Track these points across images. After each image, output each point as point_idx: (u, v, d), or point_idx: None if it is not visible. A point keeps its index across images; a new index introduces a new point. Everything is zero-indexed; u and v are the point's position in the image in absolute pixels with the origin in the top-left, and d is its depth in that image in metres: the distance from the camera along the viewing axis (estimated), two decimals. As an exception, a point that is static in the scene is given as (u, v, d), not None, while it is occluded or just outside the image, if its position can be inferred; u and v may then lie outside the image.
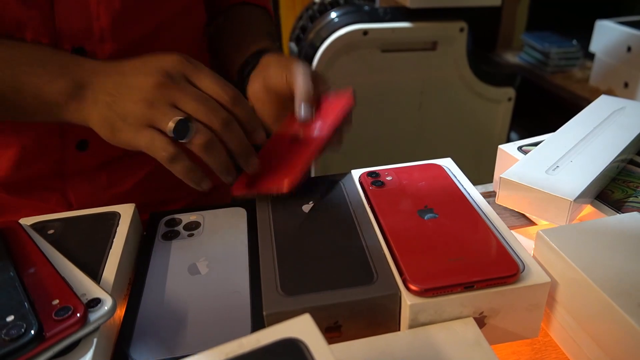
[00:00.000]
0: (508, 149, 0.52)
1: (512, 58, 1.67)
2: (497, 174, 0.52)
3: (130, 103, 0.39)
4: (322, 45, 1.07)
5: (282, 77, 0.48)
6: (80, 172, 0.54)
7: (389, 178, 0.46)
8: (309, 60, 1.10)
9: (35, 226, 0.42)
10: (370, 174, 0.47)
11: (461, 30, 1.12)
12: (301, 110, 0.46)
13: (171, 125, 0.38)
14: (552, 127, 0.54)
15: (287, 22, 1.65)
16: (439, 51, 1.13)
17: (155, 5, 0.51)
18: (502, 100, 1.22)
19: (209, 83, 0.41)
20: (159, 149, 0.39)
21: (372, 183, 0.45)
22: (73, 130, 0.51)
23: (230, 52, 0.59)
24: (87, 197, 0.56)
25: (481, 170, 1.27)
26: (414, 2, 1.08)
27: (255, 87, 0.51)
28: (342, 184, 0.47)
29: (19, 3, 0.43)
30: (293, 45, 1.28)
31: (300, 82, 0.46)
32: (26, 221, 0.43)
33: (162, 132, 0.39)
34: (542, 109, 1.57)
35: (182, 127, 0.38)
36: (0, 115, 0.46)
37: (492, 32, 1.75)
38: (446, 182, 0.46)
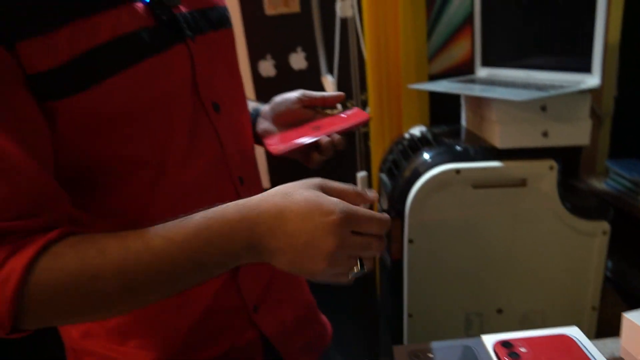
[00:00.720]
0: (635, 319, 0.53)
1: (598, 184, 1.66)
2: (626, 345, 0.54)
3: (313, 265, 0.49)
4: (418, 182, 1.15)
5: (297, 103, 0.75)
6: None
7: (523, 350, 0.49)
8: (405, 195, 1.18)
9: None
10: (504, 344, 0.50)
11: (550, 168, 1.17)
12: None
13: (352, 276, 0.50)
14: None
15: (377, 153, 1.79)
16: (529, 187, 1.18)
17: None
18: (596, 234, 1.21)
19: (371, 226, 0.50)
20: (340, 282, 0.51)
21: (508, 355, 0.48)
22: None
23: None
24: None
25: (581, 307, 1.23)
26: (504, 142, 1.16)
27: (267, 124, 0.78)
28: (475, 352, 0.50)
29: (166, 76, 0.55)
30: (384, 177, 1.38)
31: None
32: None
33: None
34: (638, 236, 1.52)
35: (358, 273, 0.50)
36: (187, 286, 0.53)
37: (574, 158, 1.78)
38: (579, 355, 0.48)
